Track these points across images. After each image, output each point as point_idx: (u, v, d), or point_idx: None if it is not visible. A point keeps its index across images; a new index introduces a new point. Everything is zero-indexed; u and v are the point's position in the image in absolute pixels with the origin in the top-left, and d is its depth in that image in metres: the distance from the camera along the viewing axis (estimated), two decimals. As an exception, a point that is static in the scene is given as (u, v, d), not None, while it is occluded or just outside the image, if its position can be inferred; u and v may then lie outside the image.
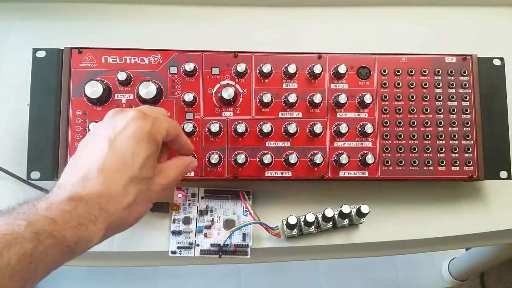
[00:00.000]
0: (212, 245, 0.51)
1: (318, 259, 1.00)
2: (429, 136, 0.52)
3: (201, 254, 0.51)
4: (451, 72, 0.54)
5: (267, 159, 0.50)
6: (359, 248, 0.55)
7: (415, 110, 0.53)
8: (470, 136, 0.53)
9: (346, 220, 0.52)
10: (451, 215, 0.56)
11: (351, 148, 0.52)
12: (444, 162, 0.52)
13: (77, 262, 0.55)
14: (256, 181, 0.53)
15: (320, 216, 0.51)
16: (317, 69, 0.51)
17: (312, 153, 0.51)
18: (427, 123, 0.53)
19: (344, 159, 0.50)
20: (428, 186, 0.56)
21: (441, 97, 0.53)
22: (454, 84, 0.53)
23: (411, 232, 0.55)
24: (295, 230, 0.51)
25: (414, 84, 0.53)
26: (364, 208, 0.50)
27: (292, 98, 0.51)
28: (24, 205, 0.34)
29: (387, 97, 0.53)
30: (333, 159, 0.51)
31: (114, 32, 0.60)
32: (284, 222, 0.51)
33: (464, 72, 0.54)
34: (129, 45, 0.52)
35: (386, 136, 0.52)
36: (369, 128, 0.51)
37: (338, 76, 0.52)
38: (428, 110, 0.53)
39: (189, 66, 0.51)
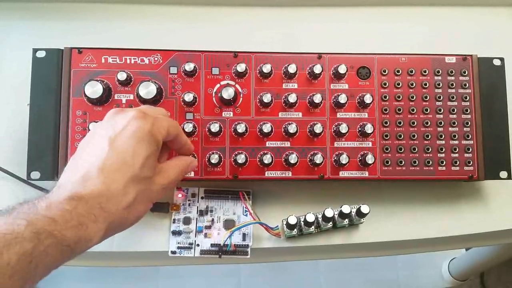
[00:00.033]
0: (212, 245, 0.51)
1: (318, 259, 1.00)
2: (429, 136, 0.52)
3: (201, 254, 0.51)
4: (451, 72, 0.54)
5: (267, 159, 0.50)
6: (359, 248, 0.55)
7: (415, 110, 0.53)
8: (470, 136, 0.53)
9: (346, 220, 0.52)
10: (451, 215, 0.56)
11: (351, 148, 0.52)
12: (444, 162, 0.52)
13: (77, 262, 0.55)
14: (256, 181, 0.53)
15: (320, 216, 0.51)
16: (317, 69, 0.51)
17: (312, 153, 0.51)
18: (427, 123, 0.53)
19: (344, 159, 0.50)
20: (428, 186, 0.56)
21: (441, 97, 0.53)
22: (454, 84, 0.53)
23: (411, 232, 0.55)
24: (295, 230, 0.51)
25: (414, 84, 0.53)
26: (364, 208, 0.50)
27: (292, 98, 0.51)
28: (24, 204, 0.34)
29: (387, 97, 0.53)
30: (333, 159, 0.51)
31: (114, 32, 0.60)
32: (284, 222, 0.51)
33: (464, 72, 0.54)
34: (129, 45, 0.52)
35: (386, 136, 0.52)
36: (369, 128, 0.51)
37: (338, 76, 0.52)
38: (428, 110, 0.53)
39: (189, 66, 0.51)
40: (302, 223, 0.51)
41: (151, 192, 0.40)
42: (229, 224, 0.52)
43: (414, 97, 0.53)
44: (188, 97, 0.50)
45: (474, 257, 0.99)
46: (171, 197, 0.52)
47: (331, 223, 0.52)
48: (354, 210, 0.51)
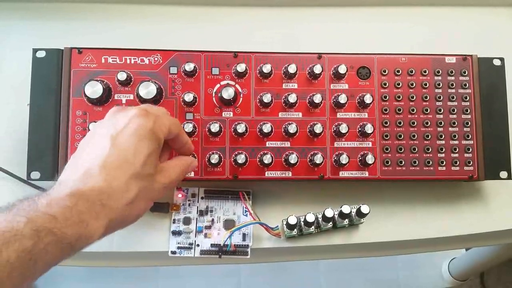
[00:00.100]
0: (212, 245, 0.51)
1: (318, 259, 1.00)
2: (429, 136, 0.52)
3: (201, 254, 0.51)
4: (451, 72, 0.54)
5: (267, 159, 0.50)
6: (359, 248, 0.55)
7: (415, 110, 0.53)
8: (470, 136, 0.53)
9: (346, 220, 0.52)
10: (451, 215, 0.56)
11: (351, 148, 0.52)
12: (444, 162, 0.52)
13: (77, 262, 0.56)
14: (256, 181, 0.53)
15: (320, 216, 0.51)
16: (317, 69, 0.51)
17: (312, 153, 0.51)
18: (427, 123, 0.53)
19: (344, 159, 0.50)
20: (428, 186, 0.56)
21: (441, 97, 0.53)
22: (454, 84, 0.53)
23: (411, 232, 0.55)
24: (295, 230, 0.51)
25: (414, 84, 0.53)
26: (364, 208, 0.50)
27: (292, 98, 0.51)
28: (24, 201, 0.34)
29: (387, 97, 0.53)
30: (333, 159, 0.51)
31: (114, 32, 0.60)
32: (284, 222, 0.51)
33: (464, 72, 0.54)
34: (129, 45, 0.52)
35: (386, 136, 0.52)
36: (369, 128, 0.51)
37: (338, 76, 0.52)
38: (428, 110, 0.53)
39: (189, 66, 0.51)
40: (302, 223, 0.51)
41: (153, 190, 0.40)
42: (229, 224, 0.52)
43: (414, 97, 0.53)
44: (188, 97, 0.50)
45: (474, 257, 0.99)
46: (171, 197, 0.52)
47: (331, 223, 0.52)
48: (354, 210, 0.51)
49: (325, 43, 0.59)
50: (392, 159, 0.52)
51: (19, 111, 0.53)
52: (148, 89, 0.49)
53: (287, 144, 0.51)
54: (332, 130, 0.52)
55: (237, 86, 0.52)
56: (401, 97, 0.53)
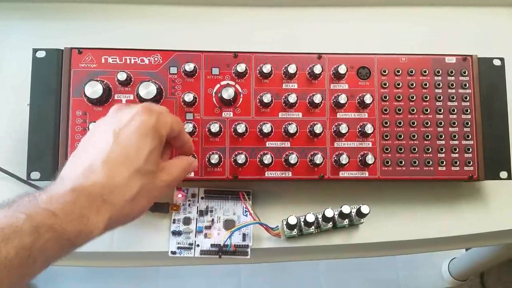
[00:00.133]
0: (212, 245, 0.51)
1: (318, 260, 1.00)
2: (429, 136, 0.52)
3: (201, 254, 0.51)
4: (451, 72, 0.54)
5: (267, 159, 0.49)
6: (359, 248, 0.55)
7: (415, 110, 0.53)
8: (470, 136, 0.53)
9: (346, 220, 0.52)
10: (451, 215, 0.56)
11: (351, 148, 0.52)
12: (444, 162, 0.52)
13: (77, 262, 0.56)
14: (256, 181, 0.53)
15: (320, 216, 0.51)
16: (317, 69, 0.51)
17: (312, 153, 0.51)
18: (427, 123, 0.53)
19: (344, 159, 0.50)
20: (428, 186, 0.56)
21: (441, 97, 0.53)
22: (454, 84, 0.53)
23: (411, 232, 0.55)
24: (295, 230, 0.51)
25: (414, 84, 0.53)
26: (364, 209, 0.50)
27: (292, 98, 0.51)
28: (24, 197, 0.33)
29: (387, 98, 0.53)
30: (333, 159, 0.51)
31: (114, 32, 0.60)
32: (284, 222, 0.51)
33: (464, 72, 0.54)
34: (129, 45, 0.52)
35: (386, 136, 0.52)
36: (369, 129, 0.51)
37: (338, 76, 0.52)
38: (428, 111, 0.53)
39: (189, 66, 0.51)
40: (302, 223, 0.51)
41: (155, 187, 0.40)
42: (229, 224, 0.52)
43: (414, 97, 0.53)
44: (188, 97, 0.50)
45: (474, 257, 0.99)
46: (171, 197, 0.52)
47: (331, 223, 0.52)
48: (354, 210, 0.51)
49: (325, 43, 0.59)
50: (392, 159, 0.52)
51: (19, 111, 0.53)
52: (148, 89, 0.49)
53: (287, 144, 0.51)
54: (332, 130, 0.52)
55: (237, 86, 0.52)
56: (401, 97, 0.53)
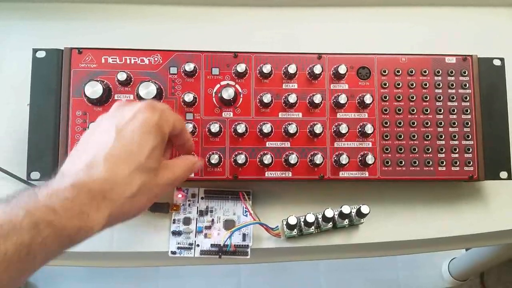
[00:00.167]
0: (212, 245, 0.51)
1: (318, 259, 1.00)
2: (429, 137, 0.52)
3: (201, 254, 0.51)
4: (451, 72, 0.54)
5: (267, 159, 0.49)
6: (359, 248, 0.55)
7: (415, 110, 0.53)
8: (470, 136, 0.53)
9: (346, 220, 0.52)
10: (451, 215, 0.56)
11: (351, 148, 0.52)
12: (444, 163, 0.52)
13: (77, 262, 0.56)
14: (256, 181, 0.53)
15: (320, 216, 0.51)
16: (317, 69, 0.51)
17: (312, 153, 0.51)
18: (427, 123, 0.53)
19: (344, 159, 0.50)
20: (428, 186, 0.56)
21: (441, 98, 0.53)
22: (454, 85, 0.53)
23: (411, 232, 0.55)
24: (295, 230, 0.51)
25: (414, 85, 0.53)
26: (364, 209, 0.50)
27: (292, 98, 0.51)
28: (24, 193, 0.33)
29: (387, 98, 0.53)
30: (333, 160, 0.51)
31: (114, 32, 0.60)
32: (284, 223, 0.51)
33: (464, 73, 0.54)
34: (129, 45, 0.52)
35: (386, 136, 0.52)
36: (369, 129, 0.51)
37: (338, 77, 0.52)
38: (428, 111, 0.53)
39: (189, 66, 0.51)
40: (302, 223, 0.51)
41: (156, 185, 0.39)
42: (229, 225, 0.52)
43: (414, 98, 0.53)
44: (188, 97, 0.50)
45: (474, 257, 0.99)
46: (171, 198, 0.52)
47: (331, 223, 0.52)
48: (354, 211, 0.51)
49: (325, 43, 0.59)
50: (392, 159, 0.52)
51: (19, 111, 0.53)
52: (148, 89, 0.49)
53: (287, 144, 0.51)
54: (332, 130, 0.52)
55: (237, 86, 0.52)
56: (401, 97, 0.53)
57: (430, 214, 0.55)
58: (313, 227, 0.52)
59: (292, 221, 0.49)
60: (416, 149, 0.52)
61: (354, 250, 0.56)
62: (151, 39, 0.59)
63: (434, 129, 0.53)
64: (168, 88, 0.51)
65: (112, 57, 0.51)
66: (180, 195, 0.52)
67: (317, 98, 0.51)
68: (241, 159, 0.50)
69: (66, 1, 0.61)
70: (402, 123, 0.53)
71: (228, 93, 0.50)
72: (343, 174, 0.51)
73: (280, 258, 0.56)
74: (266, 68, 0.51)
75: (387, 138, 0.52)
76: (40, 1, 0.61)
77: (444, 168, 0.52)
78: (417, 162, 0.52)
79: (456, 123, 0.53)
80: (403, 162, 0.52)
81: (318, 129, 0.50)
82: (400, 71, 0.53)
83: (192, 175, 0.50)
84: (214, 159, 0.49)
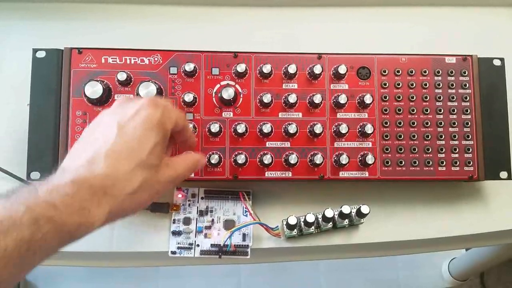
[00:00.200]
0: (212, 245, 0.51)
1: (318, 259, 1.00)
2: (429, 137, 0.52)
3: (201, 254, 0.51)
4: (451, 72, 0.54)
5: (267, 159, 0.49)
6: (359, 248, 0.55)
7: (415, 110, 0.53)
8: (470, 137, 0.53)
9: (346, 220, 0.52)
10: (451, 215, 0.56)
11: (351, 148, 0.52)
12: (444, 163, 0.52)
13: (77, 262, 0.56)
14: (256, 181, 0.53)
15: (320, 216, 0.51)
16: (317, 69, 0.51)
17: (312, 153, 0.51)
18: (427, 123, 0.53)
19: (344, 159, 0.50)
20: (428, 186, 0.56)
21: (441, 98, 0.53)
22: (454, 85, 0.53)
23: (411, 232, 0.55)
24: (295, 230, 0.51)
25: (414, 85, 0.53)
26: (364, 209, 0.50)
27: (292, 98, 0.51)
28: (24, 188, 0.33)
29: (387, 98, 0.53)
30: (333, 160, 0.51)
31: (114, 32, 0.60)
32: (284, 223, 0.51)
33: (464, 73, 0.54)
34: (129, 45, 0.52)
35: (386, 136, 0.52)
36: (369, 129, 0.51)
37: (338, 77, 0.52)
38: (428, 111, 0.53)
39: (189, 66, 0.51)
40: (302, 223, 0.51)
41: (158, 182, 0.39)
42: (229, 224, 0.52)
43: (414, 98, 0.53)
44: (188, 97, 0.50)
45: (474, 257, 0.99)
46: (171, 197, 0.52)
47: (331, 223, 0.52)
48: (354, 211, 0.51)
49: (325, 43, 0.59)
50: (392, 159, 0.52)
51: (19, 111, 0.53)
52: (148, 89, 0.49)
53: (287, 144, 0.51)
54: (332, 130, 0.52)
55: (237, 86, 0.52)
56: (401, 97, 0.53)
57: (430, 214, 0.55)
58: (313, 227, 0.52)
59: (292, 221, 0.49)
60: (416, 149, 0.52)
61: (354, 250, 0.56)
62: (151, 39, 0.59)
63: (434, 129, 0.53)
64: (168, 88, 0.51)
65: (112, 57, 0.51)
66: (180, 195, 0.52)
67: (317, 98, 0.51)
68: (241, 159, 0.50)
69: (66, 1, 0.61)
70: (402, 123, 0.53)
71: (228, 93, 0.50)
72: (343, 174, 0.51)
73: (280, 258, 0.56)
74: (266, 68, 0.51)
75: (387, 138, 0.52)
76: (40, 1, 0.61)
77: (444, 168, 0.52)
78: (417, 162, 0.52)
79: (456, 123, 0.53)
80: (403, 162, 0.52)
81: (318, 129, 0.50)
82: (400, 71, 0.53)
83: (192, 175, 0.50)
84: (214, 159, 0.49)
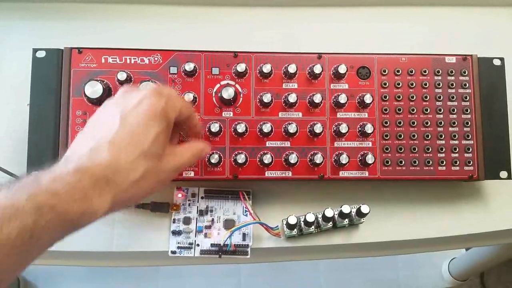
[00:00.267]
0: (212, 245, 0.51)
1: (318, 259, 1.00)
2: (429, 136, 0.52)
3: (201, 254, 0.51)
4: (451, 72, 0.54)
5: (267, 159, 0.50)
6: (359, 248, 0.55)
7: (415, 110, 0.53)
8: (470, 136, 0.53)
9: (346, 220, 0.52)
10: (451, 215, 0.56)
11: (351, 148, 0.52)
12: (444, 162, 0.52)
13: (77, 262, 0.56)
14: (256, 181, 0.53)
15: (320, 216, 0.51)
16: (317, 69, 0.51)
17: (312, 153, 0.51)
18: (427, 123, 0.53)
19: (344, 159, 0.50)
20: (428, 186, 0.56)
21: (441, 97, 0.53)
22: (454, 84, 0.53)
23: (411, 232, 0.55)
24: (295, 230, 0.51)
25: (414, 84, 0.53)
26: (364, 208, 0.50)
27: (292, 98, 0.51)
28: (27, 177, 0.33)
29: (387, 97, 0.53)
30: (333, 159, 0.51)
31: (114, 32, 0.60)
32: (284, 222, 0.51)
33: (464, 72, 0.54)
34: (129, 45, 0.52)
35: (386, 136, 0.52)
36: (369, 128, 0.51)
37: (338, 76, 0.52)
38: (428, 110, 0.53)
39: (189, 66, 0.51)
40: (302, 223, 0.51)
41: (161, 171, 0.39)
42: (229, 224, 0.52)
43: (414, 97, 0.53)
44: (188, 97, 0.50)
45: (474, 257, 0.99)
46: (171, 197, 0.53)
47: (331, 223, 0.52)
48: (354, 210, 0.51)
49: (325, 43, 0.59)
50: (392, 159, 0.52)
51: (19, 111, 0.53)
52: (148, 89, 0.49)
53: (287, 144, 0.51)
54: (332, 130, 0.52)
55: (237, 86, 0.52)
56: (401, 97, 0.53)
57: (430, 214, 0.55)
58: (313, 227, 0.52)
59: (292, 220, 0.49)
60: (416, 149, 0.52)
61: (354, 250, 0.56)
62: (151, 39, 0.59)
63: (434, 129, 0.53)
64: (168, 88, 0.51)
65: (112, 57, 0.51)
66: (180, 195, 0.52)
67: (317, 98, 0.51)
68: (241, 158, 0.50)
69: (66, 1, 0.61)
70: (402, 123, 0.53)
71: (228, 93, 0.50)
72: (343, 173, 0.51)
73: (280, 258, 0.56)
74: (266, 68, 0.51)
75: (387, 138, 0.52)
76: (40, 1, 0.61)
77: (444, 168, 0.52)
78: (417, 162, 0.52)
79: (456, 123, 0.53)
80: (403, 162, 0.52)
81: (318, 128, 0.50)
82: (400, 71, 0.53)
83: (192, 174, 0.50)
84: (214, 158, 0.49)
